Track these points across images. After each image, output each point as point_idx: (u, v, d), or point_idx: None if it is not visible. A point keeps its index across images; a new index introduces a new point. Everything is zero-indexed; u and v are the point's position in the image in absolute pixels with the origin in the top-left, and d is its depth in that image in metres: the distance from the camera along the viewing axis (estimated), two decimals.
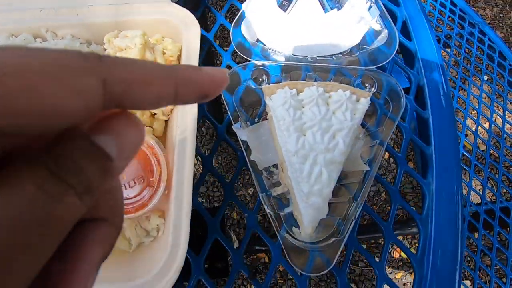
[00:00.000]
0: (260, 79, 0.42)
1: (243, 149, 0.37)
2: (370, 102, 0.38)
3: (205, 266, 0.38)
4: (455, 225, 0.39)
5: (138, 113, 0.40)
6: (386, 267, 1.16)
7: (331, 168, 0.32)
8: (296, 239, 0.33)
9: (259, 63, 0.42)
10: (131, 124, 0.11)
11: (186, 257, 0.39)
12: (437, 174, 0.41)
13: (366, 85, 0.41)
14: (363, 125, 0.42)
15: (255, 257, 1.21)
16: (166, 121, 0.43)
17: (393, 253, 1.23)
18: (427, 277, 0.36)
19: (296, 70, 0.42)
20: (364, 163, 0.37)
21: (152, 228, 0.38)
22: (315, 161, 0.32)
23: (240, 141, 0.37)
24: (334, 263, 0.32)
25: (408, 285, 1.15)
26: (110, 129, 0.10)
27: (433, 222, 0.38)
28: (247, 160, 0.36)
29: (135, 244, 0.38)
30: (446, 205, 0.40)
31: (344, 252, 0.37)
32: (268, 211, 0.34)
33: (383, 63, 0.42)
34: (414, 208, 0.39)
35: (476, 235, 0.81)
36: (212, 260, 0.54)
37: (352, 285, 1.13)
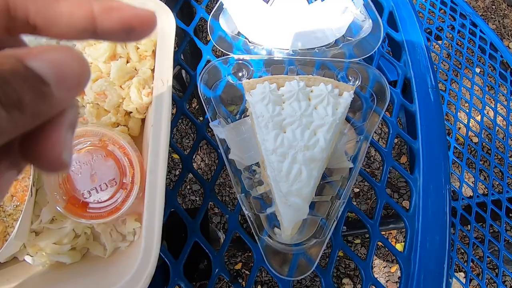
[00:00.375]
0: (241, 74, 0.40)
1: (221, 148, 0.35)
2: (353, 96, 0.37)
3: (187, 267, 0.37)
4: (443, 222, 0.37)
5: (112, 111, 0.38)
6: (381, 261, 1.16)
7: (311, 167, 0.31)
8: (277, 241, 0.32)
9: (240, 57, 0.40)
10: (72, 57, 0.10)
11: (165, 261, 0.37)
12: (425, 169, 0.39)
13: (350, 78, 0.39)
14: (348, 119, 0.40)
15: (250, 254, 1.20)
16: (143, 120, 0.41)
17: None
18: (414, 275, 0.35)
19: (278, 64, 0.40)
20: (349, 160, 0.35)
21: (128, 232, 0.37)
22: (294, 159, 0.31)
23: (217, 139, 0.36)
24: (315, 265, 0.30)
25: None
26: (47, 58, 0.10)
27: (420, 219, 0.37)
28: (225, 159, 0.35)
29: (110, 250, 0.36)
30: (434, 201, 0.38)
31: (329, 252, 0.36)
32: (246, 213, 0.32)
33: (368, 55, 0.41)
34: (405, 203, 0.38)
35: (468, 227, 0.81)
36: (195, 261, 0.53)
37: (347, 279, 1.12)
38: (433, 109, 0.43)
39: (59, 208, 0.33)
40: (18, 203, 0.34)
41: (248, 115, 0.40)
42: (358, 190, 1.29)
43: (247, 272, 1.15)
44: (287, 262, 0.32)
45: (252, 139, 0.39)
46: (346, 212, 0.37)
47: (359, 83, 0.39)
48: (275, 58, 0.40)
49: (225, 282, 1.11)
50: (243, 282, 1.11)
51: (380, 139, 1.27)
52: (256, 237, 0.31)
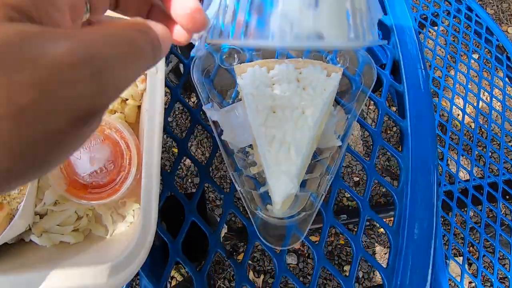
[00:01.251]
0: (232, 59, 0.41)
1: (214, 130, 0.37)
2: (341, 77, 0.38)
3: (188, 250, 0.39)
4: (431, 198, 0.39)
5: None
6: (382, 248, 1.17)
7: (300, 145, 0.32)
8: (270, 216, 0.33)
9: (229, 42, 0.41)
10: (167, 32, 0.16)
11: (165, 241, 0.39)
12: (413, 147, 0.41)
13: (339, 60, 0.40)
14: (337, 101, 0.42)
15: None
16: (139, 108, 0.43)
17: (380, 228, 1.25)
18: (402, 248, 0.36)
19: (269, 50, 0.41)
20: (337, 138, 0.37)
21: (128, 213, 0.38)
22: (284, 138, 0.32)
23: (210, 121, 0.37)
24: (304, 235, 0.32)
25: None
26: (159, 28, 0.15)
27: (409, 195, 0.39)
28: (218, 141, 0.36)
29: (111, 231, 0.38)
30: (422, 176, 0.40)
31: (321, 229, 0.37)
32: (239, 189, 0.33)
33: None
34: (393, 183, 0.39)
35: (465, 211, 0.82)
36: (195, 243, 0.54)
37: (348, 267, 1.15)
38: (421, 89, 0.44)
39: (61, 191, 0.35)
40: (22, 188, 0.36)
41: (241, 99, 0.41)
42: (357, 179, 1.30)
43: (250, 262, 1.18)
44: (280, 235, 0.33)
45: (245, 122, 0.40)
46: (337, 188, 0.39)
47: (347, 65, 0.40)
48: None
49: (229, 271, 1.13)
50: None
51: (372, 122, 1.28)
52: (249, 211, 0.33)
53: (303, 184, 0.38)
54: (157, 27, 0.15)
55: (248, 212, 0.33)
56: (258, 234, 0.33)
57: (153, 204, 0.32)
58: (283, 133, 0.32)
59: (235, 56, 0.41)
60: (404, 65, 0.45)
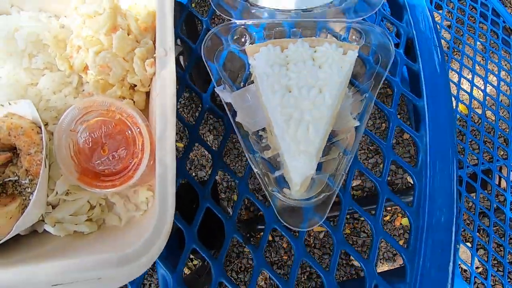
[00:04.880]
0: (243, 40, 0.40)
1: (228, 112, 0.36)
2: (357, 55, 0.36)
3: (204, 236, 0.38)
4: (450, 176, 0.38)
5: (117, 85, 0.38)
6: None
7: (318, 124, 0.31)
8: (288, 198, 0.32)
9: (240, 22, 0.40)
10: None
11: (180, 228, 0.38)
12: (430, 126, 0.40)
13: (354, 38, 0.39)
14: (352, 82, 0.40)
15: (258, 236, 1.22)
16: (148, 94, 0.41)
17: (395, 221, 1.25)
18: (424, 228, 0.35)
19: (280, 27, 0.40)
20: (354, 119, 0.36)
21: (141, 201, 0.37)
22: (302, 117, 0.31)
23: (224, 104, 0.36)
24: (325, 217, 0.31)
25: None
26: None
27: (428, 175, 0.38)
28: (232, 122, 0.35)
29: (125, 219, 0.37)
30: (441, 156, 0.39)
31: (339, 211, 0.37)
32: (256, 170, 0.32)
33: (369, 14, 0.40)
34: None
35: (474, 195, 0.81)
36: (209, 233, 0.54)
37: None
38: (437, 67, 0.42)
39: (73, 180, 0.34)
40: (33, 178, 0.35)
41: (253, 81, 0.40)
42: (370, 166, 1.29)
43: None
44: (298, 218, 0.32)
45: (257, 105, 0.39)
46: (355, 170, 0.38)
47: (363, 42, 0.38)
48: (276, 21, 0.39)
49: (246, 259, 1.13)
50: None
51: (385, 100, 1.26)
52: (267, 193, 0.32)
53: (319, 167, 0.37)
54: None
55: (266, 194, 0.32)
56: (277, 216, 0.32)
57: (169, 190, 0.31)
58: (300, 112, 0.31)
59: (246, 37, 0.40)
60: (419, 43, 0.43)
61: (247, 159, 0.35)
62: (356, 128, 0.36)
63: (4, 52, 0.36)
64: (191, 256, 1.17)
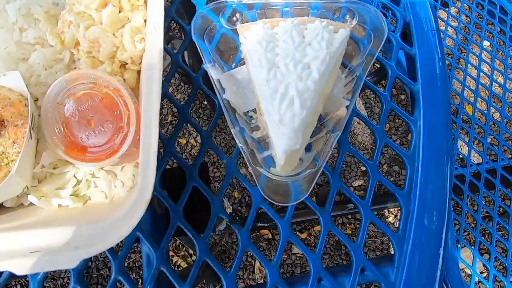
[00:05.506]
0: (234, 19, 0.39)
1: (215, 87, 0.35)
2: (349, 33, 0.36)
3: (189, 221, 0.37)
4: (443, 160, 0.37)
5: (107, 62, 0.38)
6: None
7: (304, 97, 0.30)
8: (272, 174, 0.32)
9: (232, 2, 0.40)
10: None
11: (168, 211, 0.38)
12: (424, 110, 0.39)
13: (347, 18, 0.38)
14: (345, 65, 0.40)
15: (258, 234, 1.21)
16: (139, 73, 0.41)
17: (388, 217, 1.23)
18: (414, 212, 0.34)
19: (272, 7, 0.39)
20: (343, 97, 0.35)
21: (128, 178, 0.37)
22: (287, 90, 0.30)
23: (212, 80, 0.36)
24: (309, 191, 0.30)
25: None
26: None
27: (420, 158, 0.37)
28: (219, 98, 0.35)
29: (111, 196, 0.37)
30: (435, 140, 0.37)
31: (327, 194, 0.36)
32: (240, 145, 0.32)
33: None
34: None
35: (477, 195, 0.79)
36: (197, 216, 0.53)
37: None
38: (433, 51, 0.41)
39: (59, 153, 0.34)
40: (20, 150, 0.35)
41: (244, 63, 0.39)
42: (364, 169, 1.27)
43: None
44: (283, 195, 0.32)
45: (248, 85, 0.38)
46: (344, 152, 0.37)
47: (356, 22, 0.38)
48: (270, 2, 0.39)
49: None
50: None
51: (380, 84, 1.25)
52: (250, 168, 0.31)
53: (308, 148, 0.36)
54: None
55: (250, 169, 0.31)
56: (262, 192, 0.31)
57: (151, 160, 0.30)
58: (286, 86, 0.30)
59: (238, 16, 0.40)
60: (416, 27, 0.42)
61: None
62: (346, 107, 0.35)
63: None
64: (191, 252, 1.17)
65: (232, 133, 0.33)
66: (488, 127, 0.85)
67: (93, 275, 1.08)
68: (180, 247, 1.16)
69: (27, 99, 0.35)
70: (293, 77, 0.31)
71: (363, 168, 1.27)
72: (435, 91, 0.40)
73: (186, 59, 0.92)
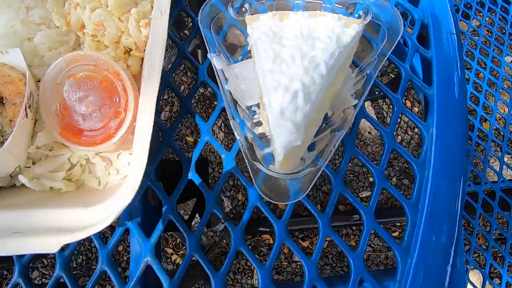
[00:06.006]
0: (243, 9, 0.38)
1: (217, 77, 0.34)
2: (362, 29, 0.34)
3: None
4: (456, 171, 0.34)
5: (111, 46, 0.38)
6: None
7: (309, 91, 0.28)
8: (270, 170, 0.30)
9: None
10: None
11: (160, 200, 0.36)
12: (438, 115, 0.36)
13: (361, 14, 0.37)
14: (356, 64, 0.38)
15: (259, 238, 1.19)
16: (143, 60, 0.40)
17: (394, 232, 1.19)
18: (421, 223, 0.32)
19: (283, 1, 0.38)
20: (352, 95, 0.33)
21: (122, 165, 0.36)
22: (291, 82, 0.29)
23: (215, 70, 0.34)
24: (307, 191, 0.28)
25: None
26: None
27: (431, 167, 0.34)
28: (221, 88, 0.33)
29: (104, 183, 0.36)
30: (448, 150, 0.35)
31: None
32: (238, 137, 0.30)
33: None
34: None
35: (491, 215, 0.75)
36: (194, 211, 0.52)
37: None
38: (451, 55, 0.39)
39: (54, 133, 0.33)
40: (14, 125, 0.34)
41: (251, 56, 0.38)
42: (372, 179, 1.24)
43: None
44: (280, 193, 0.30)
45: (253, 80, 0.37)
46: (349, 157, 0.35)
47: (370, 18, 0.36)
48: None
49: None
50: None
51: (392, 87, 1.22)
52: (247, 161, 0.30)
53: (311, 147, 0.34)
54: None
55: (247, 163, 0.29)
56: (257, 189, 0.29)
57: (146, 138, 0.29)
58: (290, 79, 0.29)
59: (247, 7, 0.38)
60: (434, 29, 0.40)
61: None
62: (354, 106, 0.33)
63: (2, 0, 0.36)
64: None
65: (231, 124, 0.31)
66: (505, 144, 0.81)
67: (93, 267, 1.08)
68: (180, 245, 1.14)
69: (25, 75, 0.34)
70: (299, 70, 0.29)
71: (371, 179, 1.23)
72: (451, 97, 0.37)
73: (200, 59, 0.91)
